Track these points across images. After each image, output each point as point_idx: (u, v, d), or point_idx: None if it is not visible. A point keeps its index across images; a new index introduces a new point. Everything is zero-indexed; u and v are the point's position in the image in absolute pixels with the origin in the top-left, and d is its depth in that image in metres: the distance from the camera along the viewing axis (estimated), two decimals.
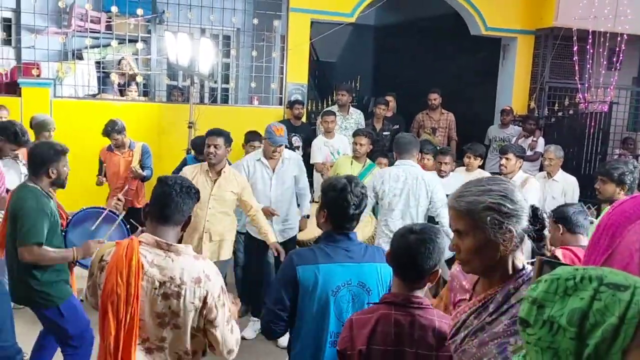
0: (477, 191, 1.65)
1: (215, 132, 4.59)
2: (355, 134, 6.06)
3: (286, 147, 5.21)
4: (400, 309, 2.16)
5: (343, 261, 2.55)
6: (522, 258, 1.68)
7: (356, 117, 7.94)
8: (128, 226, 3.84)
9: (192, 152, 6.46)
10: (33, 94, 7.12)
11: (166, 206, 2.34)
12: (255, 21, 8.16)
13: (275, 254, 4.53)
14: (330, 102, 8.76)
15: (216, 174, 4.60)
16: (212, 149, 4.50)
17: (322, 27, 8.69)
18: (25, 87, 7.14)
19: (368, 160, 6.02)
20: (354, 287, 2.55)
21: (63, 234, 3.60)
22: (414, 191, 4.66)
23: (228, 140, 4.61)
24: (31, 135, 5.22)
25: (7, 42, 8.02)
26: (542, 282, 1.00)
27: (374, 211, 5.35)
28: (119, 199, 3.89)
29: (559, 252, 3.07)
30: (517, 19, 9.11)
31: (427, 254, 2.16)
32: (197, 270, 2.28)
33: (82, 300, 5.56)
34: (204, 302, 2.27)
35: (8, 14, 8.11)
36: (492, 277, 1.68)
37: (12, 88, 7.46)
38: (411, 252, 2.17)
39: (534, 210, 1.69)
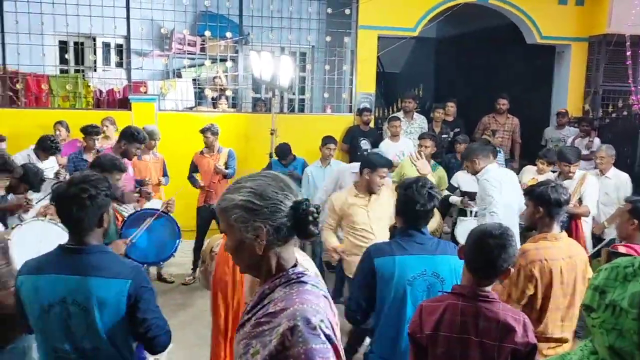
0: (233, 189, 1.45)
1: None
2: (421, 137, 6.07)
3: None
4: (467, 301, 2.10)
5: (417, 253, 2.53)
6: (292, 257, 1.47)
7: (420, 122, 7.88)
8: (177, 227, 3.76)
9: (275, 156, 6.62)
10: (141, 108, 7.46)
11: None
12: (328, 39, 8.22)
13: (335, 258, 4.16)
14: (395, 109, 8.69)
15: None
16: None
17: (387, 42, 8.64)
18: (135, 102, 7.48)
19: (432, 162, 5.97)
20: (428, 277, 2.51)
21: (119, 233, 3.51)
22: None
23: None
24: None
25: (120, 64, 8.47)
26: (602, 270, 0.99)
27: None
28: (169, 203, 3.86)
29: (622, 249, 3.00)
30: (571, 27, 8.70)
31: (503, 258, 2.08)
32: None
33: (194, 279, 5.88)
34: None
35: (120, 41, 8.56)
36: (259, 276, 1.46)
37: (124, 103, 7.86)
38: (489, 256, 2.09)
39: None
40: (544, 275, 2.66)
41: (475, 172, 4.47)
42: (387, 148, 6.95)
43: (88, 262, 2.07)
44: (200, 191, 6.27)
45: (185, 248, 7.08)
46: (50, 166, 5.67)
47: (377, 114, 8.72)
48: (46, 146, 5.58)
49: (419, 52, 11.68)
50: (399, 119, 7.27)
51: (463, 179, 5.79)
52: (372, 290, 2.53)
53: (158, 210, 3.76)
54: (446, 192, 5.85)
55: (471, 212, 5.62)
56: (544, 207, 2.78)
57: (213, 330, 2.31)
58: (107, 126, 6.61)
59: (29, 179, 4.38)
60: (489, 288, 2.14)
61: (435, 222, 5.42)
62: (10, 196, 4.40)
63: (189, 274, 6.21)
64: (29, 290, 2.08)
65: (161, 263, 5.53)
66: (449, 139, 7.45)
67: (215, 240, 2.42)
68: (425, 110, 9.01)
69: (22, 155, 5.55)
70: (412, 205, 2.55)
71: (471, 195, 5.48)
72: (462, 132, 7.64)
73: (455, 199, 5.84)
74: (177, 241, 3.74)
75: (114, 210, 3.65)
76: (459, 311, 2.09)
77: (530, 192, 2.88)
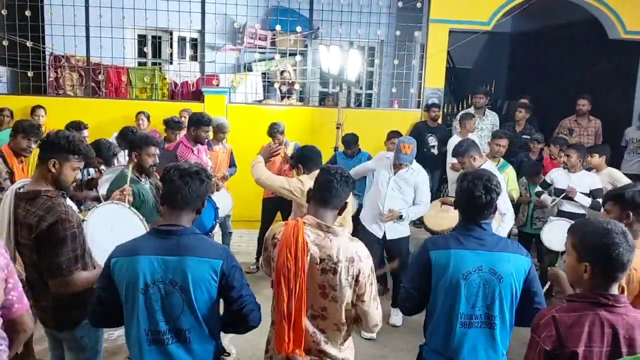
0: None
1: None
2: (496, 135, 5.93)
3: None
4: (608, 309, 1.92)
5: (475, 248, 2.47)
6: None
7: (491, 119, 7.68)
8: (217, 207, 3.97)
9: (340, 149, 6.65)
10: (213, 101, 7.66)
11: (328, 192, 2.42)
12: (398, 33, 8.13)
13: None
14: (465, 105, 8.50)
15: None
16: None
17: (458, 36, 8.45)
18: (208, 94, 7.68)
19: (502, 160, 5.82)
20: (484, 273, 2.45)
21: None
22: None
23: None
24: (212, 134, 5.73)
25: (194, 58, 8.79)
26: None
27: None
28: (216, 180, 3.99)
29: None
30: None
31: (628, 258, 1.91)
32: (351, 251, 2.34)
33: (257, 268, 6.04)
34: (356, 279, 2.32)
35: (195, 35, 8.88)
36: None
37: (197, 96, 8.12)
38: (618, 255, 1.89)
39: None
40: (632, 284, 2.52)
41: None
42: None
43: (184, 243, 2.18)
44: None
45: (250, 237, 7.34)
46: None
47: (445, 110, 8.57)
48: (127, 137, 5.87)
49: (492, 47, 11.33)
50: (473, 115, 7.11)
51: (559, 178, 5.44)
52: (425, 282, 2.51)
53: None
54: (539, 189, 5.62)
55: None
56: (636, 213, 2.65)
57: (276, 315, 2.37)
58: (185, 117, 6.87)
59: (102, 153, 4.69)
60: (614, 290, 1.98)
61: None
62: (90, 170, 4.74)
63: (252, 263, 6.38)
64: (125, 271, 2.17)
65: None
66: (528, 140, 7.21)
67: (278, 227, 2.46)
68: (496, 108, 8.77)
69: None
70: (468, 198, 2.50)
71: (562, 193, 5.28)
72: (536, 131, 7.38)
73: (546, 198, 5.51)
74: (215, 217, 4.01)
75: (158, 187, 3.71)
76: (605, 323, 1.91)
77: (618, 196, 2.72)
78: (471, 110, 7.65)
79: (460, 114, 7.38)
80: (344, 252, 2.32)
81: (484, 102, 7.59)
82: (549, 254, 5.28)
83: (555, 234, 4.96)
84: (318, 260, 2.32)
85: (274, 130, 6.20)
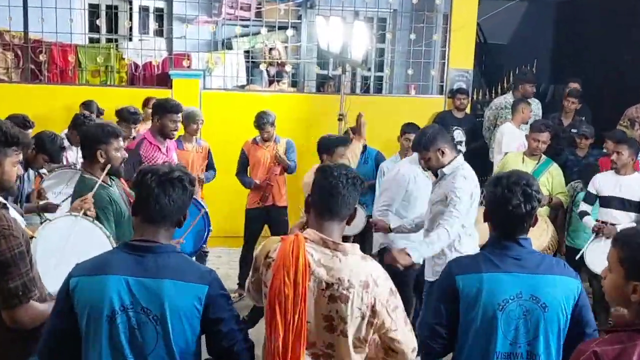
0: None
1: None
2: (534, 127, 5.90)
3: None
4: None
5: (512, 270, 2.49)
6: None
7: (534, 108, 7.68)
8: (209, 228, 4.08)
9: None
10: (184, 86, 7.62)
11: (332, 199, 2.41)
12: (415, 1, 8.15)
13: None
14: (500, 91, 8.51)
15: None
16: None
17: (491, 4, 8.48)
18: (176, 78, 7.65)
19: (544, 157, 5.82)
20: (525, 302, 2.46)
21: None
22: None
23: None
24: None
25: (159, 33, 8.80)
26: None
27: None
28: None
29: None
30: None
31: None
32: (365, 273, 2.34)
33: (240, 297, 6.03)
34: (373, 309, 2.32)
35: (160, 4, 8.90)
36: None
37: (163, 80, 8.11)
38: None
39: None
40: None
41: (438, 167, 4.14)
42: (511, 135, 6.83)
43: (162, 263, 2.22)
44: (250, 190, 6.42)
45: (230, 258, 7.33)
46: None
47: (474, 97, 8.59)
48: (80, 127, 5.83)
49: (533, 18, 11.34)
50: (529, 103, 7.16)
51: (604, 183, 5.44)
52: (453, 315, 2.52)
53: (203, 206, 4.00)
54: (583, 206, 5.56)
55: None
56: None
57: (267, 354, 2.37)
58: (148, 107, 6.83)
59: (45, 146, 4.64)
60: None
61: (545, 238, 5.28)
62: (30, 173, 4.72)
63: (234, 290, 6.36)
64: (88, 293, 2.19)
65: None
66: (575, 134, 7.20)
67: (272, 243, 2.47)
68: (539, 94, 8.77)
69: None
70: (502, 206, 2.51)
71: (613, 202, 5.29)
72: (587, 121, 7.39)
73: (589, 221, 5.46)
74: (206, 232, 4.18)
75: (126, 193, 3.76)
76: None
77: None
78: (509, 96, 7.65)
79: (517, 101, 7.35)
80: (357, 274, 2.32)
81: (532, 91, 7.60)
82: (595, 278, 5.28)
83: (599, 254, 4.96)
84: (325, 285, 2.32)
85: (262, 121, 6.21)
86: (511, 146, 6.77)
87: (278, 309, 2.31)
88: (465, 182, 4.00)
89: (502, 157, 6.50)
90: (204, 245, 4.54)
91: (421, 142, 4.22)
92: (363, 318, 2.32)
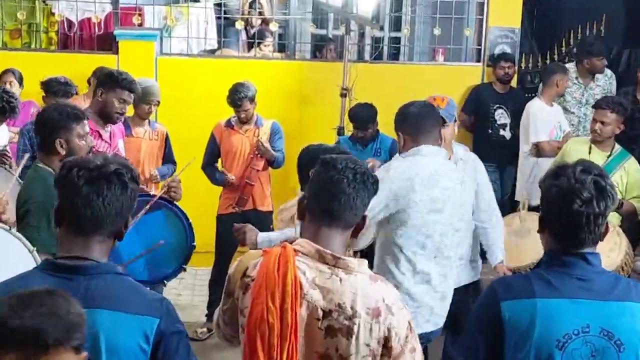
0: None
1: None
2: (598, 106, 5.90)
3: None
4: None
5: (577, 296, 2.49)
6: None
7: (604, 83, 7.72)
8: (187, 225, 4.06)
9: (346, 131, 6.62)
10: (133, 50, 7.62)
11: (334, 200, 2.41)
12: None
13: None
14: (556, 57, 8.49)
15: None
16: None
17: None
18: (124, 40, 7.69)
19: (617, 147, 5.81)
20: (594, 337, 2.46)
21: None
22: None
23: None
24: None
25: None
26: None
27: None
28: (170, 183, 4.15)
29: None
30: None
31: None
32: (375, 297, 2.35)
33: (209, 332, 5.97)
34: (385, 345, 2.33)
35: None
36: None
37: (105, 43, 8.09)
38: None
39: None
40: None
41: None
42: (543, 113, 6.86)
43: (96, 288, 2.23)
44: (223, 190, 6.40)
45: (197, 281, 7.29)
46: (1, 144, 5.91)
47: (523, 65, 8.59)
48: None
49: None
50: (567, 71, 7.20)
51: None
52: (493, 353, 2.51)
53: (153, 195, 4.08)
54: None
55: None
56: None
57: None
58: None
59: None
60: None
61: (617, 254, 5.27)
62: None
63: (201, 324, 6.33)
64: None
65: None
66: None
67: (251, 259, 2.48)
68: (610, 60, 8.74)
69: None
70: (567, 204, 2.50)
71: None
72: None
73: None
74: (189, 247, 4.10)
75: None
76: None
77: None
78: (571, 67, 7.65)
79: (550, 66, 7.38)
80: (364, 299, 2.32)
81: (604, 65, 7.62)
82: None
83: None
84: (321, 313, 2.32)
85: (238, 95, 6.17)
86: (543, 131, 6.80)
87: (260, 345, 2.29)
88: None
89: (531, 148, 6.59)
90: (184, 266, 4.51)
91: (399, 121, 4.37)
92: (373, 357, 2.33)
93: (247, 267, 2.44)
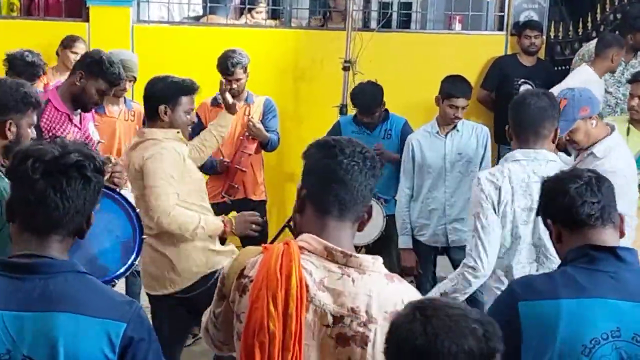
0: None
1: None
2: (634, 80, 5.91)
3: None
4: None
5: (606, 296, 2.52)
6: None
7: None
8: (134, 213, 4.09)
9: (349, 111, 6.63)
10: (106, 17, 7.68)
11: (345, 189, 2.42)
12: None
13: None
14: (589, 24, 8.47)
15: None
16: None
17: None
18: (95, 5, 7.71)
19: None
20: (625, 343, 2.48)
21: None
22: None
23: None
24: None
25: None
26: None
27: None
28: (113, 167, 4.37)
29: None
30: None
31: None
32: (393, 299, 2.33)
33: (195, 337, 6.02)
34: None
35: None
36: None
37: (74, 9, 8.07)
38: None
39: None
40: None
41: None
42: (591, 84, 6.80)
43: (55, 289, 2.23)
44: (210, 177, 6.38)
45: None
46: None
47: (551, 35, 8.59)
48: None
49: None
50: (622, 46, 7.22)
51: None
52: (508, 352, 2.51)
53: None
54: None
55: None
56: None
57: None
58: (73, 50, 6.94)
59: None
60: None
61: None
62: None
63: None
64: None
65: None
66: None
67: (248, 256, 2.48)
68: None
69: None
70: (576, 203, 2.63)
71: None
72: None
73: None
74: (137, 241, 4.12)
75: None
76: None
77: None
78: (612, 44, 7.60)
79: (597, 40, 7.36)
80: (380, 302, 2.32)
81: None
82: None
83: None
84: (331, 319, 2.32)
85: (231, 61, 6.20)
86: None
87: (258, 355, 2.29)
88: None
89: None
90: (135, 263, 4.49)
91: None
92: None
93: (245, 266, 2.43)
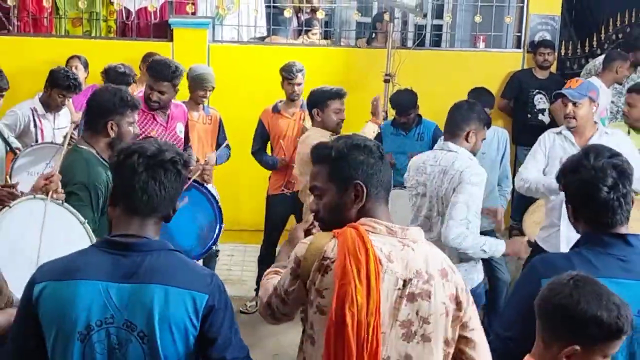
0: None
1: None
2: (632, 90, 5.85)
3: None
4: None
5: (616, 276, 2.45)
6: None
7: None
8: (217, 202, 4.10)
9: (389, 116, 6.58)
10: (187, 38, 7.70)
11: (387, 173, 2.48)
12: None
13: None
14: (595, 44, 8.35)
15: None
16: None
17: None
18: (178, 28, 7.77)
19: None
20: (636, 319, 2.36)
21: None
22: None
23: None
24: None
25: None
26: None
27: None
28: (204, 166, 4.24)
29: None
30: None
31: None
32: (439, 259, 2.41)
33: (257, 305, 5.97)
34: (457, 301, 2.38)
35: None
36: None
37: (161, 30, 8.11)
38: None
39: None
40: None
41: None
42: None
43: (150, 265, 2.26)
44: (272, 172, 6.39)
45: (246, 257, 7.33)
46: (63, 125, 5.94)
47: (562, 52, 8.48)
48: (62, 83, 5.74)
49: None
50: (627, 59, 7.13)
51: None
52: (532, 331, 2.39)
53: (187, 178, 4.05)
54: None
55: None
56: None
57: None
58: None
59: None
60: None
61: None
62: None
63: (250, 298, 6.37)
64: (56, 304, 2.21)
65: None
66: None
67: (323, 241, 2.41)
68: None
69: (22, 112, 5.80)
70: (594, 195, 2.54)
71: None
72: None
73: None
74: (217, 228, 4.09)
75: None
76: None
77: None
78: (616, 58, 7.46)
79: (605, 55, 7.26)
80: (433, 263, 2.38)
81: None
82: None
83: None
84: (401, 283, 2.33)
85: (295, 67, 6.25)
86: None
87: (351, 325, 2.25)
88: None
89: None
90: (213, 246, 4.55)
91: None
92: (447, 314, 2.36)
93: (326, 250, 2.37)
